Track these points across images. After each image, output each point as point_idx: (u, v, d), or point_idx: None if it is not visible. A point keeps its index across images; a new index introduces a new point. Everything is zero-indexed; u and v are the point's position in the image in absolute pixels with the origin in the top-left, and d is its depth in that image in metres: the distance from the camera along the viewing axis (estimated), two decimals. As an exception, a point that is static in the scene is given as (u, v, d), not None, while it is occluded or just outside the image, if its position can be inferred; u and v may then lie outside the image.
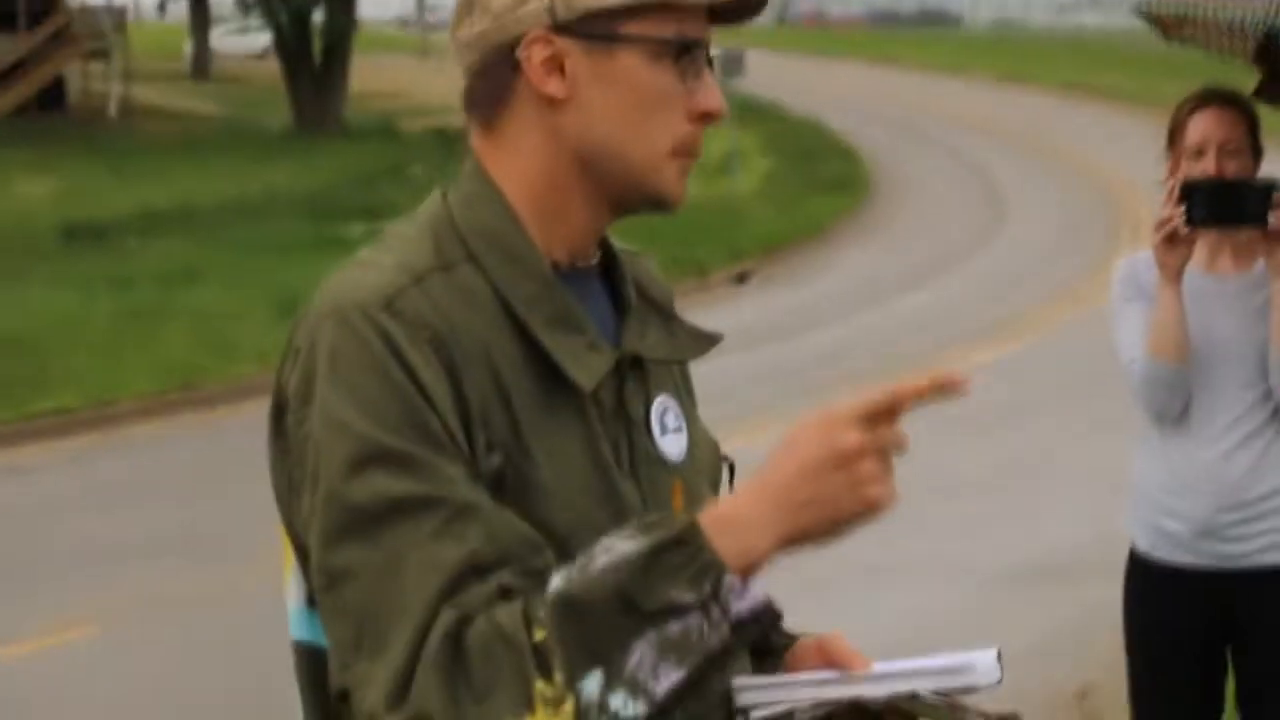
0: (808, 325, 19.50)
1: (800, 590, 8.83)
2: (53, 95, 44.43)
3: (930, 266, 24.14)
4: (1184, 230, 4.58)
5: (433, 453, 1.99)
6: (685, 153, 2.16)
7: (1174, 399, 4.67)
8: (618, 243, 2.31)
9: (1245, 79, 4.98)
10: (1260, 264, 4.71)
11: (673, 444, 2.22)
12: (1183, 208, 4.57)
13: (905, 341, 18.17)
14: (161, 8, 61.24)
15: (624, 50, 2.11)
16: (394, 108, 47.02)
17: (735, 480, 2.31)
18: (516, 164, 2.16)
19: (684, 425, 2.26)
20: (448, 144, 38.28)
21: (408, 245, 2.13)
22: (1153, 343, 4.63)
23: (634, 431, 2.17)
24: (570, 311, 2.13)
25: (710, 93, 2.16)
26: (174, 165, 34.56)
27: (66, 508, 12.19)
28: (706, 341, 2.32)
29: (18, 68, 43.18)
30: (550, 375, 2.10)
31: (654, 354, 2.23)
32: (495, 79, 2.15)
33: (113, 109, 44.67)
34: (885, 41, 78.66)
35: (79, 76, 46.55)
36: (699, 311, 21.76)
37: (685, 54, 2.12)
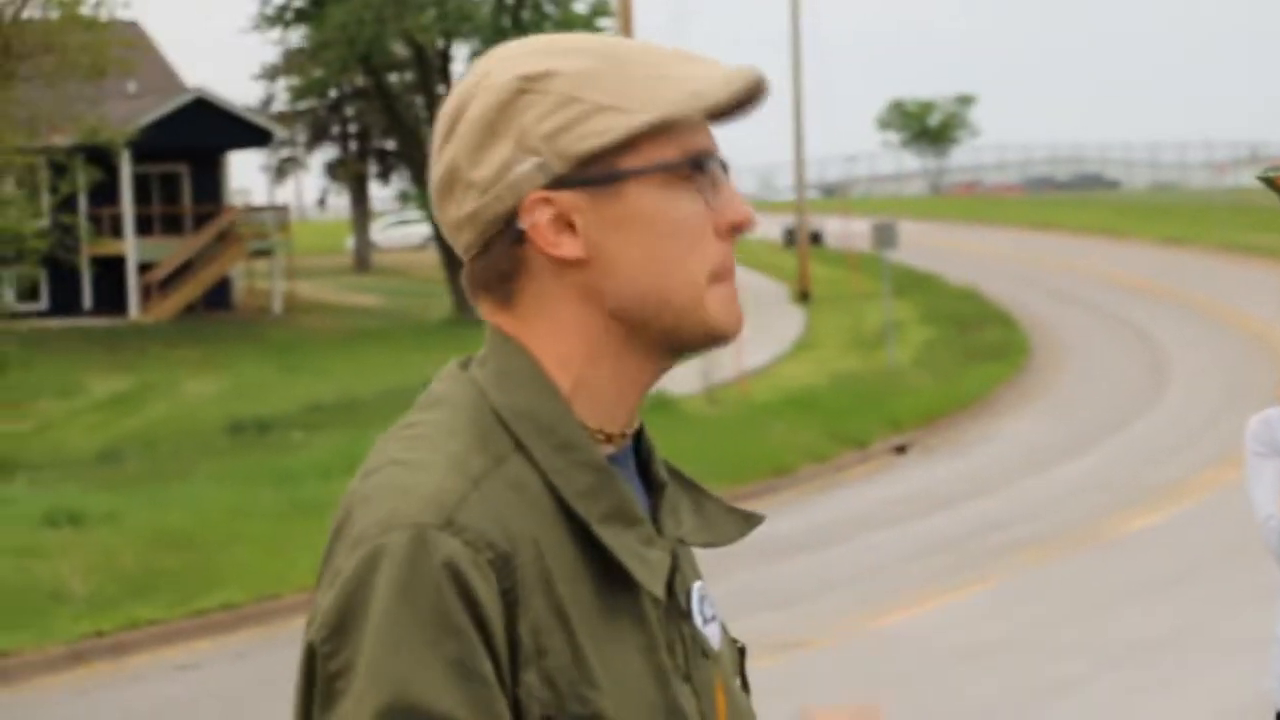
0: (968, 495, 19.36)
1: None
2: (219, 294, 45.39)
3: (1091, 433, 23.93)
4: (1315, 387, 4.55)
5: (483, 712, 1.79)
6: (723, 275, 1.93)
7: (1310, 557, 4.62)
8: None
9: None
10: (1395, 418, 4.67)
11: (713, 634, 2.03)
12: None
13: (1068, 508, 18.00)
14: (322, 203, 62.44)
15: (630, 188, 1.89)
16: (552, 293, 47.48)
17: (745, 665, 2.15)
18: (548, 340, 1.93)
19: (719, 613, 2.06)
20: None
21: (451, 437, 1.89)
22: (1286, 501, 4.59)
23: (685, 627, 1.97)
24: (626, 503, 1.91)
25: (734, 203, 1.93)
26: (337, 358, 35.11)
27: (236, 703, 12.30)
28: (747, 522, 2.05)
29: (185, 269, 44.19)
30: (608, 576, 1.89)
31: (694, 539, 2.01)
32: (500, 255, 1.92)
33: (277, 306, 45.50)
34: (1041, 207, 78.54)
35: (244, 275, 47.53)
36: (859, 484, 21.81)
37: (698, 170, 1.91)
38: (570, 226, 1.89)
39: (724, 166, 1.94)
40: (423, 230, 59.42)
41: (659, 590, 1.89)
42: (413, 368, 33.09)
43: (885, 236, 33.46)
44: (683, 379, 30.09)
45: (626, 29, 29.44)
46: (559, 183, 1.89)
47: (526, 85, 1.90)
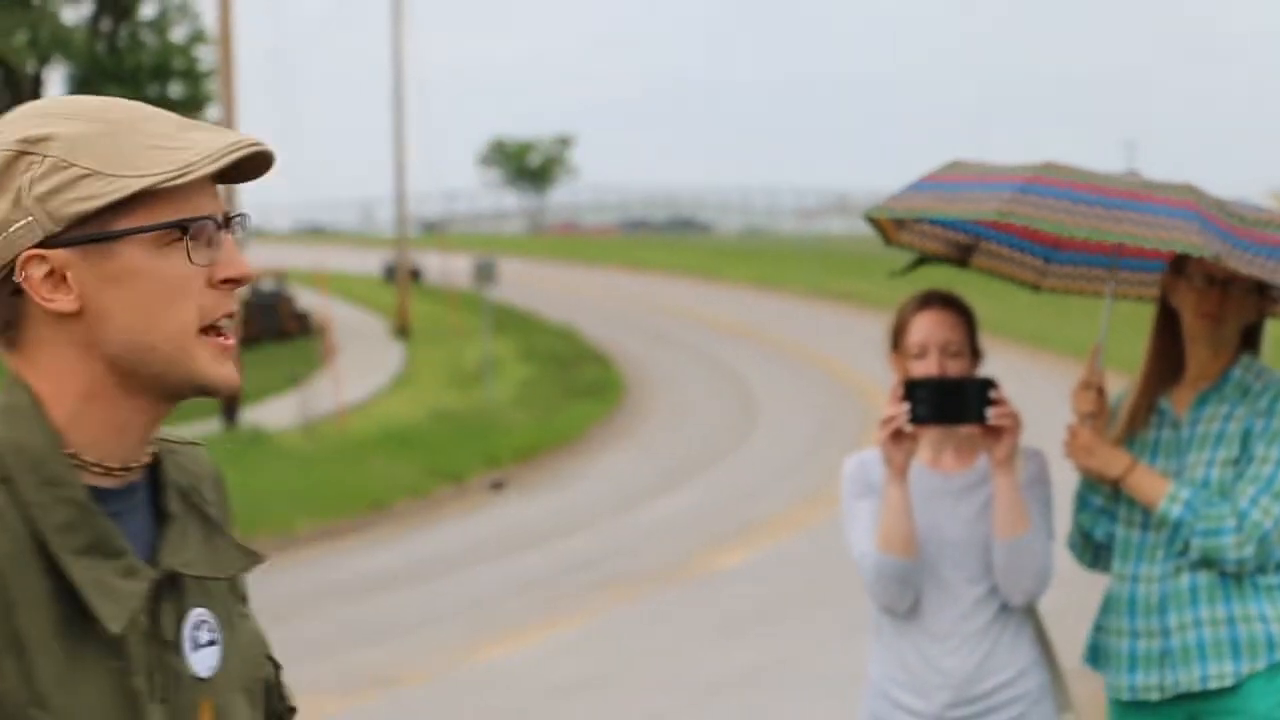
0: (564, 532, 19.52)
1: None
2: None
3: (684, 470, 24.34)
4: (908, 427, 4.71)
5: None
6: (216, 324, 2.12)
7: (903, 593, 4.77)
8: (168, 436, 2.25)
9: (962, 283, 5.17)
10: (982, 460, 4.85)
11: (204, 660, 2.17)
12: (906, 405, 4.70)
13: (661, 545, 18.26)
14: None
15: (123, 247, 2.07)
16: None
17: (278, 684, 2.35)
18: (47, 380, 2.09)
19: (218, 638, 2.20)
20: None
21: None
22: (881, 537, 4.74)
23: (166, 653, 2.12)
24: (106, 536, 2.06)
25: (229, 261, 2.11)
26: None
27: None
28: (250, 559, 2.23)
29: None
30: (79, 605, 2.04)
31: (192, 570, 2.15)
32: (3, 303, 2.09)
33: None
34: (637, 248, 79.65)
35: None
36: (457, 519, 21.72)
37: (186, 234, 2.08)
38: (64, 281, 2.06)
39: (226, 224, 2.12)
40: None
41: (116, 626, 2.04)
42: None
43: (485, 274, 33.65)
44: (279, 412, 29.77)
45: (227, 59, 29.06)
46: (53, 241, 2.05)
47: (25, 148, 2.06)
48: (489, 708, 11.29)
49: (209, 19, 42.82)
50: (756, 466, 24.62)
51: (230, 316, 2.13)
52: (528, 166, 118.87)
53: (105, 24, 43.99)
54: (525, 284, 54.43)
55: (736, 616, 14.26)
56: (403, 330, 46.23)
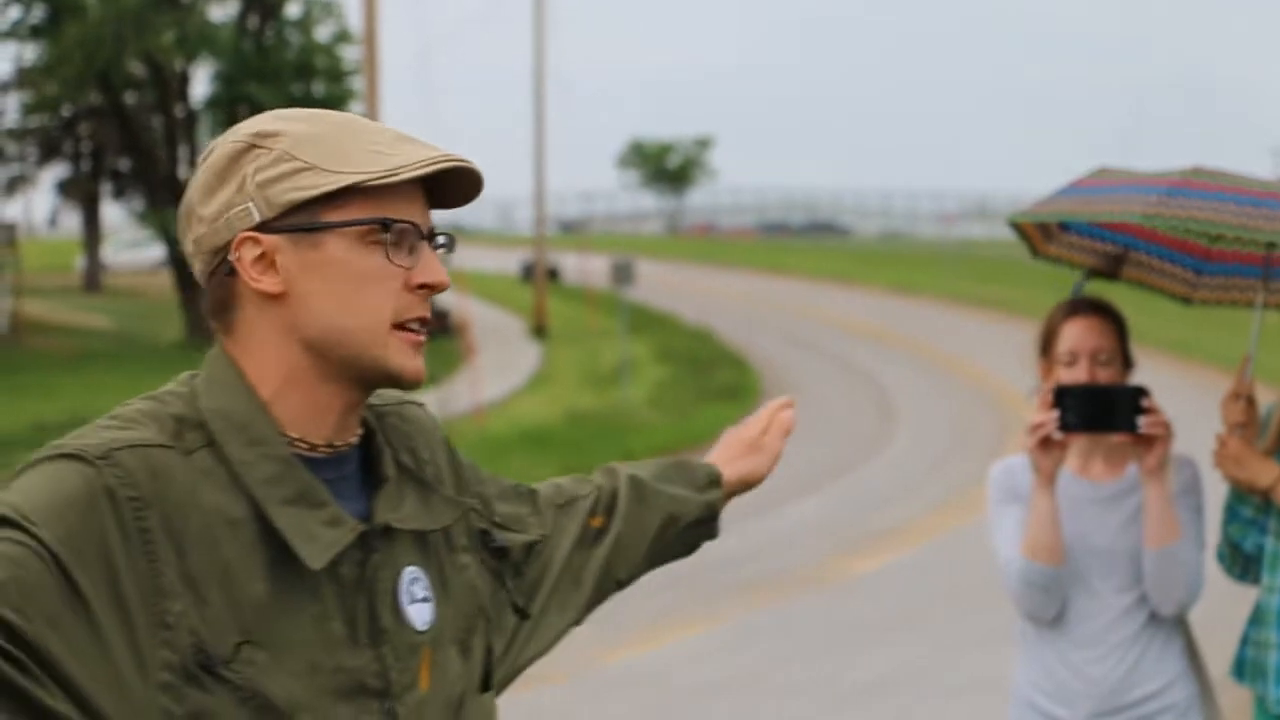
0: (700, 534, 19.50)
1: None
2: (-58, 310, 44.22)
3: (820, 474, 24.26)
4: (1057, 435, 4.68)
5: (49, 630, 2.08)
6: (408, 324, 2.29)
7: (1049, 601, 4.74)
8: (386, 398, 2.45)
9: (1108, 291, 5.13)
10: (1132, 469, 4.81)
11: (419, 613, 2.34)
12: (1056, 412, 4.68)
13: (796, 549, 18.23)
14: (53, 222, 61.14)
15: (329, 237, 2.24)
16: (286, 320, 46.88)
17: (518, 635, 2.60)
18: (256, 361, 2.28)
19: (432, 595, 2.37)
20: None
21: (147, 418, 2.27)
22: (1028, 545, 4.71)
23: (378, 602, 2.29)
24: (310, 489, 2.25)
25: (428, 267, 2.29)
26: (65, 379, 34.41)
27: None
28: (455, 508, 2.46)
29: (-94, 283, 43.00)
30: (286, 554, 2.22)
31: (406, 525, 2.35)
32: (218, 285, 2.30)
33: (3, 324, 44.49)
34: (775, 251, 79.48)
35: (-32, 291, 46.34)
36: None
37: (386, 232, 2.25)
38: (273, 265, 2.25)
39: (429, 237, 2.30)
40: (156, 253, 58.45)
41: (316, 564, 2.21)
42: (144, 390, 32.45)
43: (623, 274, 33.71)
44: (418, 410, 29.96)
45: (371, 58, 29.30)
46: (267, 226, 2.24)
47: (257, 140, 2.26)
48: (625, 708, 11.32)
49: (354, 18, 43.16)
50: (893, 472, 24.51)
51: (423, 321, 2.31)
52: (666, 168, 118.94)
53: (252, 22, 44.49)
54: (662, 285, 54.51)
55: (872, 622, 14.21)
56: (540, 330, 46.41)
